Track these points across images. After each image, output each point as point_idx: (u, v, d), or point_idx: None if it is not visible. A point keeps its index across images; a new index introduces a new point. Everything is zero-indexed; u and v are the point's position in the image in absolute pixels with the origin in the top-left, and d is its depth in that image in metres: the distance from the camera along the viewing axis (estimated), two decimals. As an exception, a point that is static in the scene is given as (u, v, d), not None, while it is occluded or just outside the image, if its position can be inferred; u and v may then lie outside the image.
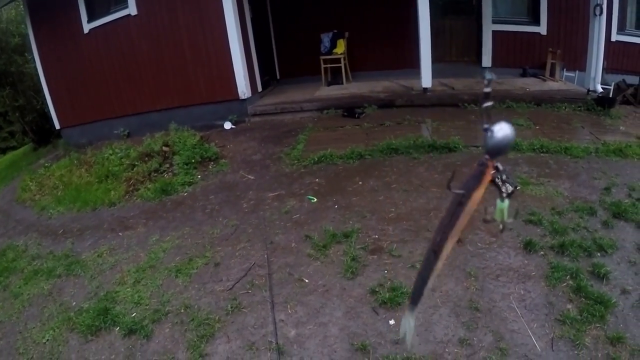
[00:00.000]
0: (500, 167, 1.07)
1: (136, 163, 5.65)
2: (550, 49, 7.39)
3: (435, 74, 6.42)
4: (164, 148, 5.77)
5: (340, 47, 7.81)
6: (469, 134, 5.07)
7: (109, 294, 3.28)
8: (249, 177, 4.89)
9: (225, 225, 3.96)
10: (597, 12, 5.94)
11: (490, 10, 7.82)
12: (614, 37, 7.47)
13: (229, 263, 3.37)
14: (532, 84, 7.05)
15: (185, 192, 4.86)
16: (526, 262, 2.93)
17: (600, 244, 3.00)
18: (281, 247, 3.46)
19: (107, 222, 4.59)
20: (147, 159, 5.66)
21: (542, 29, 7.77)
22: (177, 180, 5.03)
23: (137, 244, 3.97)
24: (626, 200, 3.52)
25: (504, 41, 7.95)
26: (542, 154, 4.50)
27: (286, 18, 8.41)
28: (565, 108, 5.95)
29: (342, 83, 7.92)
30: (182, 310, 2.95)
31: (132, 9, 6.78)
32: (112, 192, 5.17)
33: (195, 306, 2.97)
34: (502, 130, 1.02)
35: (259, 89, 7.46)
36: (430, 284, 1.26)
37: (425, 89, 6.45)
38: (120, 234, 4.25)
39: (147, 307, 3.07)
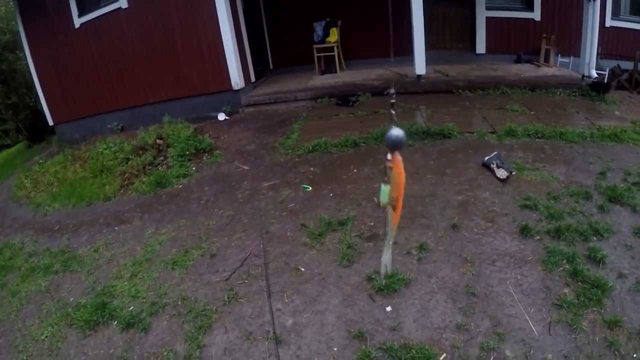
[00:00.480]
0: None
1: (130, 157, 5.62)
2: (545, 35, 7.37)
3: (429, 61, 6.37)
4: (158, 141, 5.74)
5: (334, 36, 7.74)
6: (463, 121, 5.06)
7: (106, 289, 3.28)
8: (244, 167, 4.87)
9: (221, 216, 3.95)
10: (591, -3, 5.91)
11: (484, -4, 7.77)
12: (608, 22, 7.46)
13: (225, 254, 3.37)
14: (526, 70, 7.03)
15: (180, 184, 4.84)
16: (522, 247, 2.93)
17: (596, 228, 3.01)
18: (277, 236, 3.45)
19: (103, 216, 4.57)
20: (141, 152, 5.64)
21: (536, 15, 7.74)
22: (171, 173, 5.01)
23: (133, 238, 3.96)
24: (622, 185, 3.53)
25: (497, 27, 7.92)
26: (537, 140, 4.49)
27: (278, 7, 8.33)
28: (560, 94, 5.94)
29: (335, 72, 7.89)
30: (179, 302, 2.95)
31: (122, 2, 6.71)
32: (107, 187, 5.16)
33: (192, 298, 2.97)
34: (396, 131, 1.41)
35: (252, 79, 7.42)
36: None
37: (419, 76, 6.41)
38: (116, 228, 4.24)
39: (145, 300, 3.07)
